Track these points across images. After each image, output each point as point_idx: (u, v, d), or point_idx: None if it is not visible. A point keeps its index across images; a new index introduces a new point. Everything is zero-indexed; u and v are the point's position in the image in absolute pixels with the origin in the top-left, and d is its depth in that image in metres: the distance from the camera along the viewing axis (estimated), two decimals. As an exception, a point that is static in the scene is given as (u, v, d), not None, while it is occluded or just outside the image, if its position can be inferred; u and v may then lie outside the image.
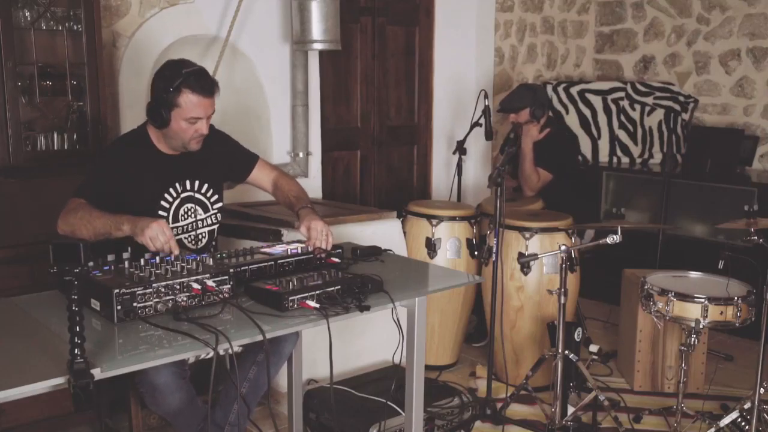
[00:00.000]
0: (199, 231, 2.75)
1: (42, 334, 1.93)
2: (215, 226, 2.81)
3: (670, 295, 3.05)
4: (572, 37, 5.86)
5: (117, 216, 2.38)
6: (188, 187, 2.70)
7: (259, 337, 1.96)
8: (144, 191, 2.60)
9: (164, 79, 2.52)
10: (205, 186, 2.75)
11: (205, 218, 2.76)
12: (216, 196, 2.79)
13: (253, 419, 3.04)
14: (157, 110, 2.52)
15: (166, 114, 2.52)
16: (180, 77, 2.49)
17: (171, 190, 2.66)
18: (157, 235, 2.29)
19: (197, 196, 2.73)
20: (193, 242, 2.74)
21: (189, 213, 2.71)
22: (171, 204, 2.66)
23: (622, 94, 5.38)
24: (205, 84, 2.53)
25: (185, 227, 2.70)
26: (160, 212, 2.63)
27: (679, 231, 4.73)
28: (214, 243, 2.83)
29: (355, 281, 2.24)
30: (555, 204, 4.11)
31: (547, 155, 4.25)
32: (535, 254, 3.35)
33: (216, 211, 2.79)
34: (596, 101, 5.38)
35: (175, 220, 2.67)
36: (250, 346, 2.59)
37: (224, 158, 2.82)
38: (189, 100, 2.50)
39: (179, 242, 2.67)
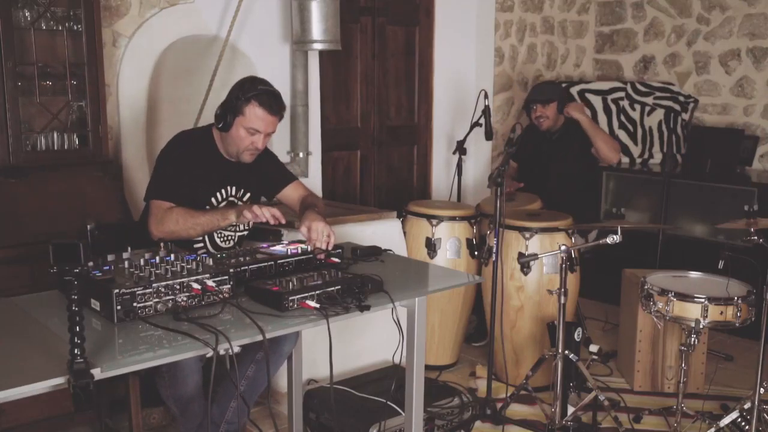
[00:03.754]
0: (236, 234, 2.89)
1: (42, 334, 1.93)
2: (245, 233, 2.93)
3: (670, 295, 3.05)
4: (572, 37, 5.86)
5: (216, 210, 2.67)
6: (233, 192, 2.84)
7: (259, 337, 1.96)
8: (198, 188, 2.73)
9: (241, 88, 2.69)
10: (248, 195, 2.88)
11: (239, 224, 2.83)
12: None
13: (252, 419, 3.05)
14: (224, 114, 2.68)
15: (231, 119, 2.67)
16: (255, 91, 2.66)
17: (221, 191, 2.80)
18: (261, 208, 2.50)
19: (239, 203, 2.84)
20: (226, 241, 2.86)
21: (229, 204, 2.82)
22: (217, 205, 2.79)
23: (622, 94, 5.38)
24: (274, 103, 2.69)
25: (223, 229, 2.79)
26: (207, 207, 2.75)
27: (679, 231, 4.73)
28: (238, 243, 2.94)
29: (355, 281, 2.24)
30: (555, 204, 4.10)
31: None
32: (535, 254, 3.35)
33: None
34: (596, 101, 5.38)
35: None
36: (250, 344, 2.60)
37: (265, 173, 2.94)
38: (254, 112, 2.65)
39: (212, 241, 2.81)
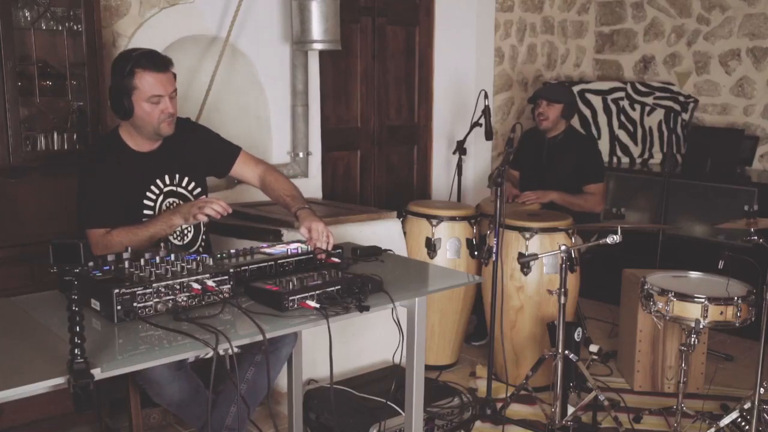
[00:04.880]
0: (191, 226, 2.72)
1: (42, 334, 1.93)
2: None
3: (670, 295, 3.05)
4: (572, 37, 5.86)
5: (158, 218, 2.49)
6: (168, 181, 2.67)
7: (259, 337, 1.96)
8: (127, 192, 2.57)
9: (118, 67, 2.52)
10: (186, 179, 2.72)
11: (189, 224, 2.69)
12: (199, 189, 2.75)
13: (252, 419, 3.04)
14: (119, 100, 2.51)
15: (128, 102, 2.50)
16: (131, 60, 2.49)
17: (153, 187, 2.64)
18: (208, 203, 2.43)
19: (179, 190, 2.70)
20: (179, 237, 2.70)
21: (172, 207, 2.65)
22: (155, 201, 2.64)
23: (622, 94, 5.38)
24: (157, 60, 2.53)
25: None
26: (145, 211, 2.61)
27: (679, 231, 4.73)
28: (203, 237, 2.79)
29: (355, 281, 2.24)
30: (555, 207, 4.10)
31: (588, 168, 4.24)
32: (535, 254, 3.35)
33: None
34: (596, 101, 5.38)
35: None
36: (248, 347, 2.59)
37: (204, 151, 2.78)
38: (144, 80, 2.49)
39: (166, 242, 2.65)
